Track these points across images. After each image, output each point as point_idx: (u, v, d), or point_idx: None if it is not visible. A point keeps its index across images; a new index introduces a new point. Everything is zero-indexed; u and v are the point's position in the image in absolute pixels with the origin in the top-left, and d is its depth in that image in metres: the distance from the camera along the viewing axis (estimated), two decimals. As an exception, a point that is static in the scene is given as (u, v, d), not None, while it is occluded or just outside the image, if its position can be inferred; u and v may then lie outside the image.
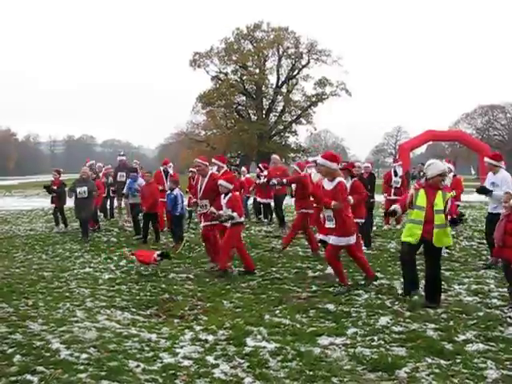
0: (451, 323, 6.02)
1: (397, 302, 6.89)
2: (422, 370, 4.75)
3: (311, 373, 4.70)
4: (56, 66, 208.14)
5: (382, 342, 5.45)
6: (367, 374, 4.72)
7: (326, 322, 6.16)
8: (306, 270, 8.99)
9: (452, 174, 12.95)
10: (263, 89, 55.24)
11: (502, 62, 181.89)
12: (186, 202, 12.74)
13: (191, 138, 56.98)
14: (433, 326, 5.92)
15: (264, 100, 56.03)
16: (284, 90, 55.76)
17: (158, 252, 8.92)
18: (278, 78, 55.86)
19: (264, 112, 55.53)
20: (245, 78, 54.07)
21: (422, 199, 6.68)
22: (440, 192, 6.61)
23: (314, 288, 7.75)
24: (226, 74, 55.13)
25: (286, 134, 57.05)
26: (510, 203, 6.54)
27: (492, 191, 9.02)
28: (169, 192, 11.88)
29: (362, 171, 13.74)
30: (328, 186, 7.60)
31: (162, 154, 76.50)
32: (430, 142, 53.83)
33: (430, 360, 4.96)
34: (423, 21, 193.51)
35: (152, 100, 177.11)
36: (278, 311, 6.57)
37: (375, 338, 5.57)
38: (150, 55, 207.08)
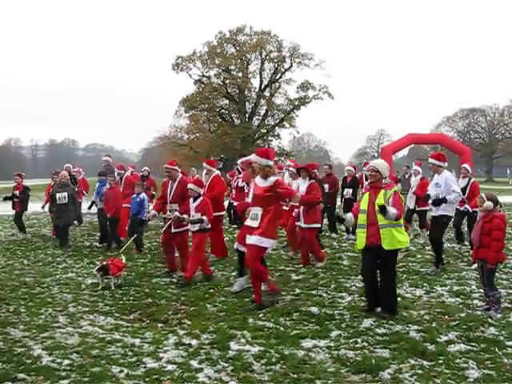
0: (434, 324, 6.07)
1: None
2: (405, 371, 4.78)
3: (295, 376, 4.70)
4: (38, 67, 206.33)
5: (366, 344, 5.48)
6: (351, 375, 4.74)
7: (310, 324, 6.18)
8: (290, 273, 9.01)
9: (420, 176, 12.96)
10: (246, 92, 55.35)
11: (482, 66, 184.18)
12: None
13: (174, 141, 56.88)
14: (415, 327, 5.97)
15: (247, 104, 56.16)
16: (267, 93, 55.91)
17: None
18: (261, 82, 56.04)
19: (247, 116, 55.66)
20: (228, 81, 54.14)
21: (364, 202, 6.53)
22: (382, 191, 6.38)
23: (298, 291, 7.76)
24: (208, 78, 55.16)
25: (269, 138, 57.20)
26: (484, 206, 6.57)
27: (446, 198, 8.80)
28: (135, 195, 11.48)
29: (346, 174, 13.87)
30: (262, 183, 7.02)
31: (146, 158, 76.27)
32: (412, 145, 54.37)
33: (413, 361, 5.00)
34: (404, 25, 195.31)
35: (135, 103, 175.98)
36: (261, 314, 6.56)
37: (359, 340, 5.60)
38: (133, 58, 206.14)
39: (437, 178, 9.19)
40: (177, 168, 9.34)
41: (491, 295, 6.55)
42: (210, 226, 8.68)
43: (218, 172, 10.52)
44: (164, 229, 9.28)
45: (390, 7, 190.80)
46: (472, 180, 11.06)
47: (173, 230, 8.96)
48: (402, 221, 6.45)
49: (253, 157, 7.20)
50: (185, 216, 8.55)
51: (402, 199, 6.53)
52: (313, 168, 9.91)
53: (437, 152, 10.97)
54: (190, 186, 8.63)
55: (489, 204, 6.53)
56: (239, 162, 9.80)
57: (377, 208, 6.16)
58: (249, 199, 7.71)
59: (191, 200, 8.60)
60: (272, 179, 6.92)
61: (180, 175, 9.28)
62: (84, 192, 16.68)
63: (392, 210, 6.12)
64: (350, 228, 13.36)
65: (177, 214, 8.71)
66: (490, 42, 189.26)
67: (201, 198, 8.58)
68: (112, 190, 12.00)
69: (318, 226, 9.83)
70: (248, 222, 7.07)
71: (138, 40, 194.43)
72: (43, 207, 15.27)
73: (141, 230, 11.70)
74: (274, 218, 6.94)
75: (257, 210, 6.94)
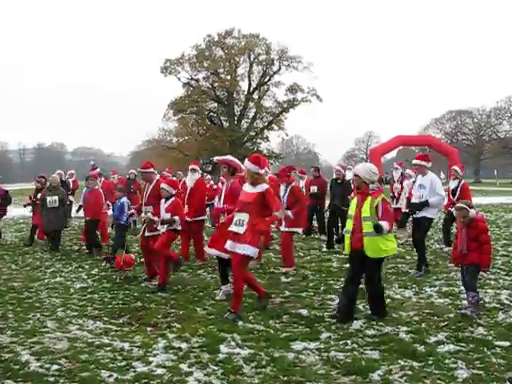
0: (423, 325, 6.10)
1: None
2: (395, 372, 4.79)
3: (285, 378, 4.70)
4: (24, 68, 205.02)
5: (356, 346, 5.48)
6: (341, 377, 4.74)
7: (300, 327, 6.18)
8: (279, 275, 9.00)
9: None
10: (235, 95, 55.34)
11: (469, 69, 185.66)
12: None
13: (163, 145, 56.74)
14: (405, 328, 5.99)
15: (236, 106, 56.13)
16: (255, 96, 55.92)
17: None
18: (250, 85, 56.03)
19: (236, 118, 55.61)
20: (216, 84, 54.09)
21: (352, 207, 6.52)
22: (369, 198, 6.32)
23: (287, 293, 7.76)
24: (197, 81, 55.09)
25: (258, 141, 57.20)
26: (470, 216, 6.45)
27: (428, 201, 8.77)
28: (116, 200, 11.11)
29: (334, 176, 13.89)
30: (250, 189, 6.78)
31: (134, 162, 75.90)
32: (401, 147, 54.58)
33: (402, 362, 5.01)
34: (391, 27, 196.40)
35: (123, 107, 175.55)
36: (251, 317, 6.56)
37: (348, 341, 5.61)
38: (121, 61, 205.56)
39: (421, 179, 9.13)
40: (151, 170, 9.16)
41: (471, 296, 6.49)
42: (180, 227, 8.56)
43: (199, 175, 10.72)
44: (141, 233, 9.18)
45: (378, 11, 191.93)
46: (462, 182, 10.98)
47: (146, 234, 8.89)
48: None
49: (245, 162, 6.90)
50: (155, 218, 8.48)
51: (390, 205, 6.56)
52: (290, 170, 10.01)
53: (421, 153, 10.97)
54: (162, 185, 8.52)
55: (473, 212, 6.48)
56: (215, 159, 9.65)
57: (372, 230, 6.12)
58: (220, 201, 7.59)
59: (163, 201, 8.50)
60: (263, 187, 6.68)
61: (157, 177, 9.20)
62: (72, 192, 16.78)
63: (385, 226, 6.12)
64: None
65: (149, 215, 8.65)
66: (478, 45, 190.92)
67: (172, 198, 8.48)
68: (92, 192, 11.86)
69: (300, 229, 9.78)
70: (233, 228, 6.70)
71: (126, 43, 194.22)
72: (25, 206, 14.37)
73: (123, 234, 11.01)
74: (259, 226, 6.64)
75: (243, 216, 6.62)
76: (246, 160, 6.91)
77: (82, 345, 5.64)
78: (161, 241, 8.33)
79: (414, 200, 9.19)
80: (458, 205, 6.79)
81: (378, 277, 6.54)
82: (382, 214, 6.22)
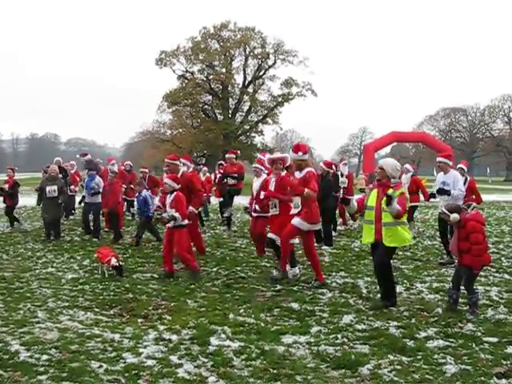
0: (413, 321, 6.12)
1: (360, 301, 6.99)
2: (384, 366, 4.81)
3: (275, 371, 4.71)
4: (18, 59, 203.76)
5: (346, 340, 5.50)
6: (331, 371, 4.76)
7: (290, 320, 6.19)
8: (271, 269, 9.01)
9: (410, 174, 13.14)
10: (229, 88, 55.27)
11: (464, 66, 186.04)
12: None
13: (157, 137, 56.63)
14: (395, 323, 6.01)
15: (230, 100, 56.07)
16: (250, 89, 55.87)
17: (115, 261, 8.41)
18: (245, 78, 55.97)
19: (230, 112, 55.56)
20: (211, 77, 53.98)
21: (372, 198, 6.77)
22: (390, 190, 6.54)
23: (279, 287, 7.77)
24: (192, 74, 54.96)
25: (252, 134, 57.16)
26: (452, 220, 6.42)
27: (450, 191, 9.09)
28: (137, 195, 11.81)
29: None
30: (298, 175, 7.88)
31: (128, 153, 75.77)
32: (395, 143, 54.78)
33: (392, 357, 5.03)
34: (387, 23, 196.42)
35: (117, 98, 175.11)
36: (242, 310, 6.57)
37: (339, 335, 5.63)
38: (116, 52, 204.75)
39: (443, 176, 9.47)
40: (177, 162, 9.19)
41: (469, 298, 6.45)
42: (186, 221, 8.55)
43: (193, 168, 10.82)
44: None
45: (375, 7, 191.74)
46: (469, 179, 11.00)
47: (169, 225, 8.73)
48: (405, 219, 6.67)
49: (290, 154, 8.05)
50: (164, 214, 8.41)
51: (408, 200, 6.96)
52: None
53: (444, 152, 11.43)
54: (165, 180, 8.59)
55: (455, 216, 6.38)
56: (268, 157, 9.56)
57: (384, 198, 6.35)
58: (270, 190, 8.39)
59: (168, 195, 8.51)
60: (306, 170, 7.80)
61: (182, 169, 9.17)
62: (79, 183, 17.20)
63: (396, 206, 6.34)
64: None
65: (164, 214, 8.54)
66: (474, 43, 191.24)
67: (175, 193, 8.44)
68: (111, 185, 12.43)
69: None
70: (292, 211, 7.88)
71: (122, 35, 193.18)
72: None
73: (149, 226, 11.88)
74: (311, 203, 7.75)
75: (297, 199, 7.80)
76: (290, 152, 8.05)
77: (73, 335, 5.63)
78: (178, 244, 8.35)
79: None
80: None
81: (388, 263, 6.80)
82: (398, 203, 6.43)
